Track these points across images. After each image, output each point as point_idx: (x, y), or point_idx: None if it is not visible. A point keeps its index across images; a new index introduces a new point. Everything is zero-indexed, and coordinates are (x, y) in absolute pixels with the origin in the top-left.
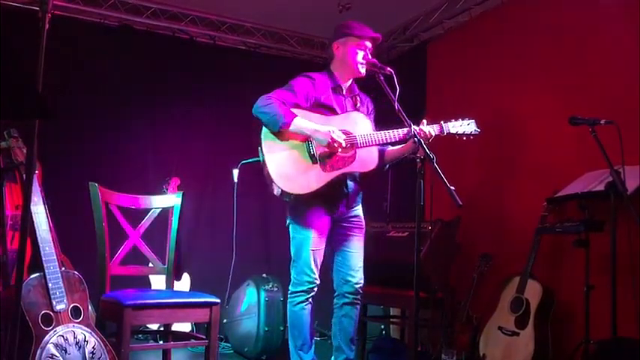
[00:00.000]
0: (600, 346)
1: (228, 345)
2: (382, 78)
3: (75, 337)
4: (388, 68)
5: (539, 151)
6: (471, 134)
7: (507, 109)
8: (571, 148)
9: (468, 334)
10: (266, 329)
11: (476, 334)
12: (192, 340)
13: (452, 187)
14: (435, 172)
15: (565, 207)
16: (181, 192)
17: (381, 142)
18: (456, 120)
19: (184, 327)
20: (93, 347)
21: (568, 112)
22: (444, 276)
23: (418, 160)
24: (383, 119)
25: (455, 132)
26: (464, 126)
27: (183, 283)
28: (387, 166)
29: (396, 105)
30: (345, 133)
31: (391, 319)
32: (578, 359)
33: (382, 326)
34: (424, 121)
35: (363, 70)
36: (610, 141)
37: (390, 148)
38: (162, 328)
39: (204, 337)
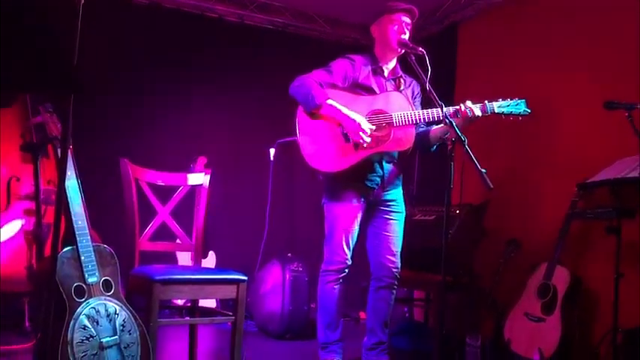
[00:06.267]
0: (628, 335)
1: (253, 323)
2: (414, 58)
3: (106, 310)
4: (420, 48)
5: (572, 136)
6: (519, 115)
7: (540, 93)
8: (604, 134)
9: (492, 319)
10: (290, 308)
11: (500, 319)
12: (219, 316)
13: (483, 170)
14: (465, 155)
15: (595, 193)
16: (209, 170)
17: (417, 122)
18: (503, 100)
19: (209, 304)
20: (123, 320)
21: (603, 96)
22: (469, 260)
23: (449, 142)
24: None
25: (501, 112)
26: (511, 106)
27: (209, 261)
28: (435, 146)
29: (427, 86)
30: (381, 112)
31: (415, 302)
32: (606, 347)
33: (405, 309)
34: (468, 102)
35: (401, 44)
36: None
37: (435, 127)
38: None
39: (230, 313)
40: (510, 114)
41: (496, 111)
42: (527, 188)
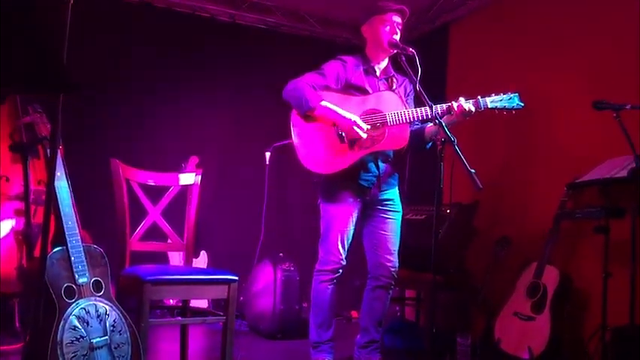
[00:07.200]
0: (617, 333)
1: (244, 322)
2: (404, 59)
3: (96, 310)
4: (410, 49)
5: (562, 136)
6: (513, 109)
7: (530, 94)
8: (598, 134)
9: (483, 318)
10: (281, 308)
11: (491, 318)
12: (210, 317)
13: (472, 170)
14: (455, 155)
15: (584, 193)
16: (200, 170)
17: (411, 120)
18: (496, 94)
19: (201, 304)
20: (114, 321)
21: (593, 96)
22: (459, 259)
23: (439, 142)
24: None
25: (494, 107)
26: (504, 100)
27: (201, 261)
28: (430, 143)
29: (418, 86)
30: (375, 112)
31: (406, 301)
32: (594, 345)
33: (397, 308)
34: (461, 98)
35: (391, 45)
36: (635, 127)
37: (430, 124)
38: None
39: (221, 313)
40: (504, 108)
41: (489, 106)
42: (518, 188)
